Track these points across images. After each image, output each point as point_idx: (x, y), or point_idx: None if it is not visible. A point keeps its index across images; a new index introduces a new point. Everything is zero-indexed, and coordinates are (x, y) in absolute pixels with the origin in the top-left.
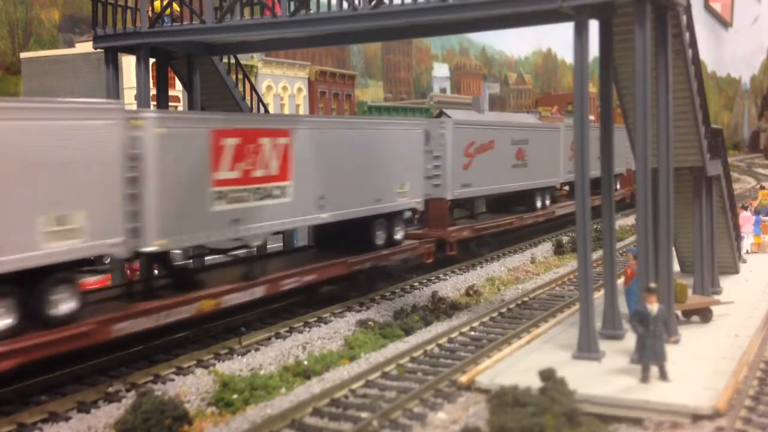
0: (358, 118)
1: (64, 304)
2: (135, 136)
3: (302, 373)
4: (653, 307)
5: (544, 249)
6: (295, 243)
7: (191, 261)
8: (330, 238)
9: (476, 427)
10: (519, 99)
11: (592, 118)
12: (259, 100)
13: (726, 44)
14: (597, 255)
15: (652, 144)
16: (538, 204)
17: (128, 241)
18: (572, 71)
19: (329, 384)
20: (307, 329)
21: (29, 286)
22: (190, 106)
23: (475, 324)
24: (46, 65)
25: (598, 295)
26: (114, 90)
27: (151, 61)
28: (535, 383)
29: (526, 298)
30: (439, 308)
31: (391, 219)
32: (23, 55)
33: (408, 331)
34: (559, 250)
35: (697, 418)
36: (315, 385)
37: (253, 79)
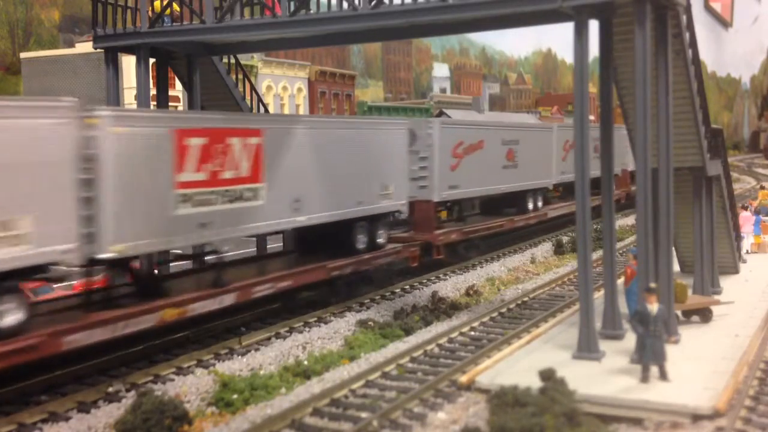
0: (338, 117)
1: (10, 315)
2: (90, 136)
3: (302, 373)
4: (653, 307)
5: (544, 249)
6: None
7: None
8: (311, 242)
9: (476, 427)
10: (519, 99)
11: (592, 118)
12: (259, 100)
13: (726, 44)
14: (597, 255)
15: (652, 144)
16: (530, 206)
17: (82, 247)
18: (572, 71)
19: (329, 384)
20: (307, 329)
21: None
22: (190, 106)
23: (475, 324)
24: (46, 65)
25: (598, 295)
26: (114, 90)
27: (151, 61)
28: (535, 383)
29: (526, 298)
30: (439, 308)
31: (373, 222)
32: (23, 55)
33: (408, 331)
34: (559, 250)
35: (697, 418)
36: (315, 385)
37: (253, 79)
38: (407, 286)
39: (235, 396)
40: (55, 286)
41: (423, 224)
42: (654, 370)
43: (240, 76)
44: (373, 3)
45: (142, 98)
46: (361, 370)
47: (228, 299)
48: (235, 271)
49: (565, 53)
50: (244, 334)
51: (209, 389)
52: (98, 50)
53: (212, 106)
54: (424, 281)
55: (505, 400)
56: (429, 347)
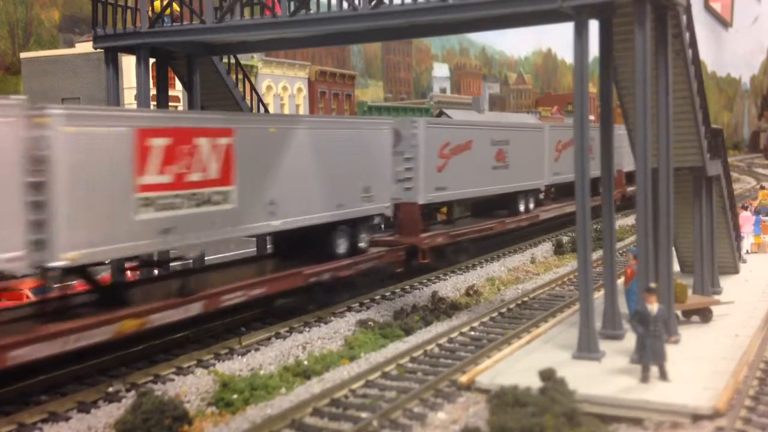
0: (316, 117)
1: None
2: (39, 136)
3: (302, 373)
4: (653, 307)
5: (544, 249)
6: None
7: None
8: (290, 247)
9: (476, 427)
10: (519, 99)
11: (592, 118)
12: (259, 100)
13: (726, 44)
14: (597, 255)
15: (652, 144)
16: (521, 207)
17: (31, 254)
18: (572, 71)
19: (329, 384)
20: (307, 329)
21: None
22: (190, 106)
23: (475, 324)
24: (46, 65)
25: (598, 295)
26: (114, 90)
27: (151, 61)
28: (535, 383)
29: (526, 298)
30: (439, 308)
31: (355, 226)
32: (23, 55)
33: (408, 331)
34: (559, 250)
35: (697, 418)
36: (315, 385)
37: (253, 79)
38: (407, 286)
39: (235, 396)
40: (55, 286)
41: (408, 227)
42: (654, 370)
43: (240, 76)
44: (373, 3)
45: (142, 98)
46: (361, 370)
47: (194, 308)
48: (206, 278)
49: (565, 53)
50: (244, 334)
51: (209, 389)
52: (98, 50)
53: (212, 106)
54: (424, 281)
55: (505, 400)
56: (429, 347)
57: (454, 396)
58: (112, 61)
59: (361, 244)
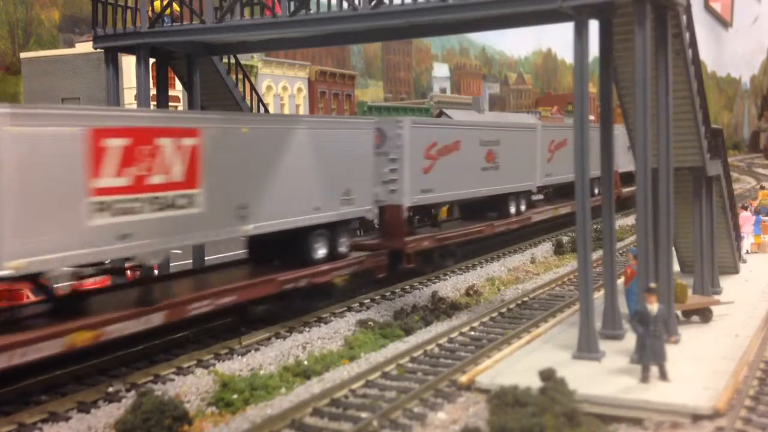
0: (290, 116)
1: None
2: None
3: (302, 373)
4: (653, 307)
5: (544, 249)
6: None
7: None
8: (266, 252)
9: (476, 427)
10: (519, 99)
11: (592, 118)
12: (259, 100)
13: (726, 44)
14: (597, 255)
15: (652, 144)
16: (512, 210)
17: None
18: (572, 71)
19: (329, 384)
20: (307, 329)
21: None
22: (190, 106)
23: (475, 324)
24: (46, 65)
25: (598, 295)
26: (114, 90)
27: (151, 61)
28: (535, 383)
29: (526, 298)
30: (439, 308)
31: (334, 230)
32: (23, 55)
33: (408, 331)
34: (559, 250)
35: (697, 418)
36: (315, 385)
37: (253, 79)
38: (407, 286)
39: (235, 396)
40: (54, 286)
41: (392, 231)
42: (654, 370)
43: (240, 76)
44: (373, 3)
45: (142, 98)
46: (361, 370)
47: (156, 319)
48: (172, 286)
49: (565, 53)
50: (244, 334)
51: (209, 389)
52: (98, 50)
53: (212, 106)
54: (424, 281)
55: (505, 400)
56: (429, 347)
57: (454, 396)
58: (112, 61)
59: (341, 249)
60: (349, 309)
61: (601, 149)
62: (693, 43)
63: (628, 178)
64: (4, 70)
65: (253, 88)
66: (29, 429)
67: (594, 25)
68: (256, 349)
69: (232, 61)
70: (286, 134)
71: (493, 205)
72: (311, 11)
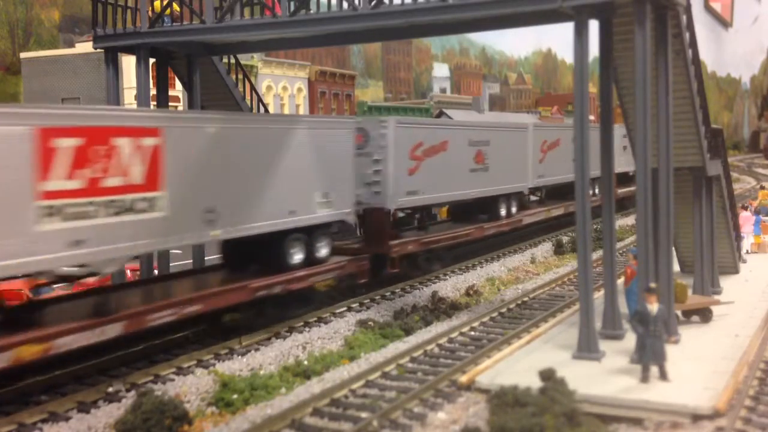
0: (264, 115)
1: None
2: None
3: (302, 373)
4: (653, 307)
5: (544, 249)
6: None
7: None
8: (240, 257)
9: (476, 427)
10: (519, 99)
11: (592, 118)
12: (259, 100)
13: (726, 44)
14: (597, 255)
15: (652, 144)
16: (503, 212)
17: None
18: (572, 71)
19: (329, 384)
20: (307, 329)
21: None
22: (190, 106)
23: (475, 324)
24: (46, 65)
25: (598, 295)
26: (114, 90)
27: (151, 61)
28: (535, 383)
29: (526, 298)
30: (439, 308)
31: (311, 234)
32: (23, 55)
33: (408, 331)
34: (559, 250)
35: (697, 418)
36: (315, 385)
37: (253, 79)
38: (407, 286)
39: (235, 396)
40: (54, 286)
41: (376, 234)
42: (654, 370)
43: (240, 76)
44: (373, 3)
45: (142, 98)
46: (361, 370)
47: (112, 330)
48: (134, 295)
49: (565, 53)
50: (244, 334)
51: (209, 389)
52: (98, 50)
53: (212, 106)
54: (424, 281)
55: (505, 400)
56: (429, 347)
57: (454, 396)
58: (112, 61)
59: (320, 254)
60: (349, 309)
61: (601, 149)
62: (693, 43)
63: (623, 179)
64: (4, 70)
65: (253, 88)
66: (29, 429)
67: (594, 25)
68: (256, 349)
69: (232, 61)
70: (258, 134)
71: (484, 207)
72: (311, 11)
